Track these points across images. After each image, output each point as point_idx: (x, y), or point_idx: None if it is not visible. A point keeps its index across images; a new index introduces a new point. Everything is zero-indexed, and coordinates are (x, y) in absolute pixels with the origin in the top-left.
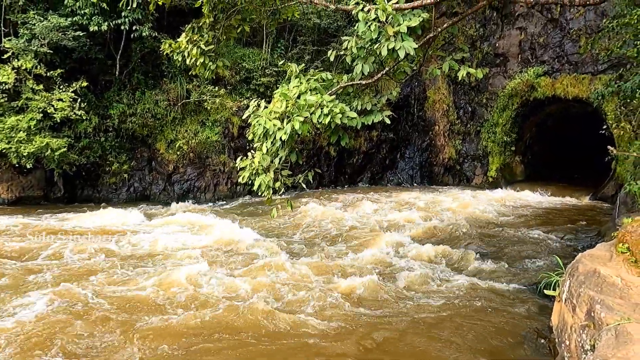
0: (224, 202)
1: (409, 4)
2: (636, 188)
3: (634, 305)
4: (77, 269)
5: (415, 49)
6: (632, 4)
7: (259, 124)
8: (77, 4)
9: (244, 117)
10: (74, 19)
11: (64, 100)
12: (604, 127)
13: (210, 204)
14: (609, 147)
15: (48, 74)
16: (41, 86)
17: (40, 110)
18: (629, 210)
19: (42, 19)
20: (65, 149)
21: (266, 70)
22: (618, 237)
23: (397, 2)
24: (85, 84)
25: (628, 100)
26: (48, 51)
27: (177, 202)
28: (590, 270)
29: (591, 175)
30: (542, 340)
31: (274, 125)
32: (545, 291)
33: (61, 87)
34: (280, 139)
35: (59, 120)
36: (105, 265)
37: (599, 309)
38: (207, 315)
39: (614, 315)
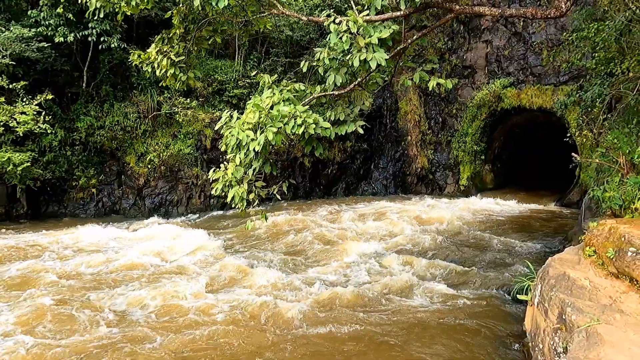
0: (197, 215)
1: (379, 16)
2: (599, 193)
3: (602, 307)
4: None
5: (386, 60)
6: (589, 19)
7: (232, 135)
8: (42, 14)
9: (216, 128)
10: (38, 29)
11: (27, 113)
12: (568, 135)
13: (183, 217)
14: (572, 154)
15: (10, 86)
16: (2, 99)
17: (2, 124)
18: (593, 215)
19: (3, 29)
20: (28, 164)
21: (239, 82)
22: (585, 240)
23: (367, 14)
24: (50, 96)
25: (589, 109)
26: (10, 62)
27: (149, 217)
28: (560, 273)
29: (558, 182)
30: (517, 345)
31: (247, 136)
32: (518, 296)
33: (24, 99)
34: (254, 149)
35: (21, 134)
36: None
37: (569, 312)
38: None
39: (584, 317)
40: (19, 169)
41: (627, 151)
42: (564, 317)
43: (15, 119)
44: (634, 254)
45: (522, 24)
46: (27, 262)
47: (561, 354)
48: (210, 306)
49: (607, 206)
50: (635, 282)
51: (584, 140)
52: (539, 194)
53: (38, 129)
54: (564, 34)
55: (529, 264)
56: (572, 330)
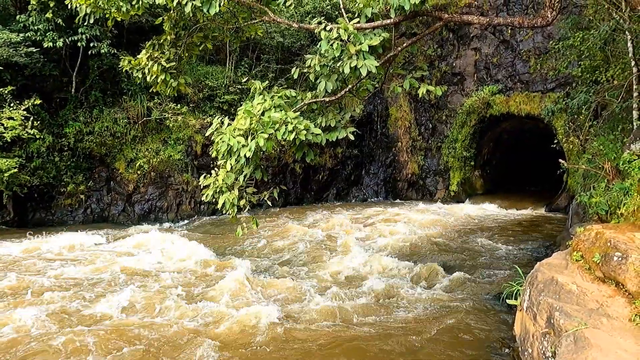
0: (187, 221)
1: (369, 23)
2: (586, 199)
3: (589, 311)
4: None
5: (376, 67)
6: (575, 28)
7: (223, 141)
8: (30, 19)
9: (207, 134)
10: (26, 34)
11: (14, 118)
12: (555, 141)
13: (173, 224)
14: (560, 160)
15: None
16: None
17: None
18: (581, 220)
19: None
20: (15, 170)
21: (230, 88)
22: (572, 245)
23: (358, 22)
24: (38, 101)
25: (575, 116)
26: None
27: (138, 223)
28: (548, 278)
29: (546, 187)
30: (506, 350)
31: (238, 142)
32: (508, 301)
33: (12, 104)
34: (245, 155)
35: (9, 140)
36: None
37: (558, 316)
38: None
39: (572, 321)
40: (6, 175)
41: (613, 157)
42: (552, 321)
43: (3, 125)
44: (620, 259)
45: (510, 32)
46: None
47: (550, 358)
48: (185, 314)
49: (593, 211)
50: (621, 287)
51: (571, 146)
52: (527, 200)
53: (26, 135)
54: (551, 42)
55: (518, 268)
56: (560, 334)
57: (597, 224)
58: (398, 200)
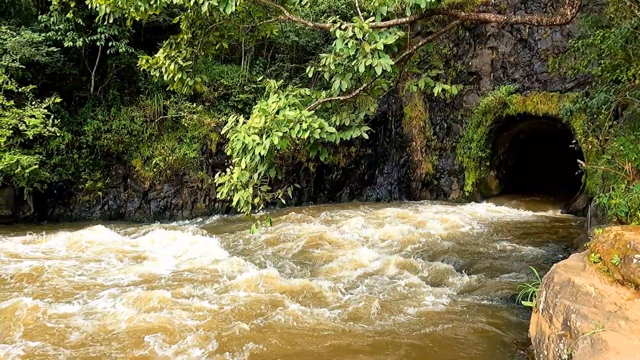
0: (202, 219)
1: (385, 22)
2: (605, 200)
3: (607, 314)
4: None
5: (391, 65)
6: (595, 26)
7: (238, 139)
8: (52, 19)
9: (222, 132)
10: (47, 34)
11: (36, 117)
12: (573, 142)
13: (188, 221)
14: (578, 161)
15: (19, 90)
16: (12, 102)
17: (11, 126)
18: (599, 222)
19: (14, 34)
20: (36, 166)
21: (245, 87)
22: (590, 247)
23: (373, 21)
24: (58, 100)
25: (594, 116)
26: (20, 66)
27: (154, 220)
28: (565, 280)
29: (564, 189)
30: (521, 352)
31: (252, 140)
32: (523, 302)
33: (33, 103)
34: (259, 154)
35: (31, 137)
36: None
37: (574, 318)
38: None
39: (589, 324)
40: (27, 171)
41: (633, 158)
42: (568, 323)
43: (25, 123)
44: None
45: (527, 30)
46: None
47: None
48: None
49: (613, 213)
50: None
51: (590, 147)
52: (544, 201)
53: (47, 132)
54: (570, 40)
55: (534, 270)
56: (577, 336)
57: (616, 226)
58: (412, 201)
